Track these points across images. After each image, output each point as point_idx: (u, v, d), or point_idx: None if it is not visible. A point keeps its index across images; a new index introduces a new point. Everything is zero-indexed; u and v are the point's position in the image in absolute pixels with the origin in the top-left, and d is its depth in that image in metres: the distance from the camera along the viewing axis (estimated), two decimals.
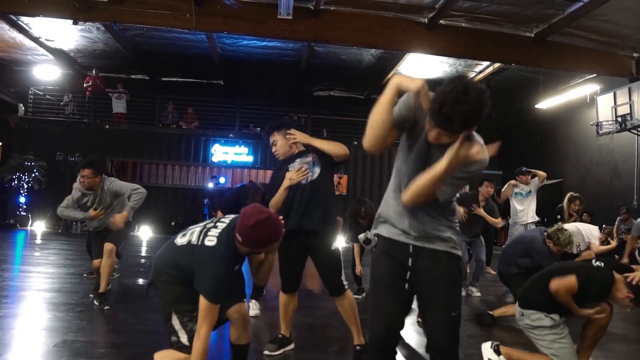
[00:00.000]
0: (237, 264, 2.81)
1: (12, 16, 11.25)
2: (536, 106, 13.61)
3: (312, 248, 3.66)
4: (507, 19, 9.80)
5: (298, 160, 3.74)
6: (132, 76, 15.80)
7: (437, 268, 2.29)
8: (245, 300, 3.08)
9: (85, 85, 14.41)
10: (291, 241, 3.54)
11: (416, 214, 2.29)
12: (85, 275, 6.50)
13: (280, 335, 3.90)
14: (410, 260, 2.31)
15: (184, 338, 2.67)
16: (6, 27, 11.99)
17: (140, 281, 6.49)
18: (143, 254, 9.72)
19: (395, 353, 2.37)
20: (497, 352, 3.61)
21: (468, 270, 7.32)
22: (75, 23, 10.22)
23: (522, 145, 14.88)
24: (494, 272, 9.15)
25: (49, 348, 3.63)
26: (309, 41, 10.92)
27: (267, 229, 2.58)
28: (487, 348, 3.69)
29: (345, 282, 3.67)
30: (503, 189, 7.84)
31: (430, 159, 2.21)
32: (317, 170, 3.71)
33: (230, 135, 14.22)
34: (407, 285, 2.32)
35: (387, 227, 2.38)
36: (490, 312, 5.09)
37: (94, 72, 14.40)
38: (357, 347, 3.69)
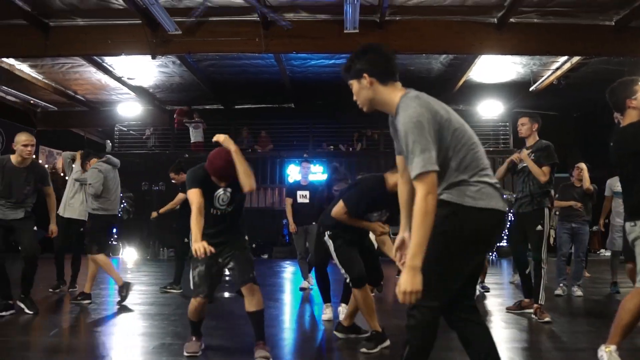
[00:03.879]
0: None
1: (97, 58, 12.07)
2: None
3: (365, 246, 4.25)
4: (584, 8, 9.34)
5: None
6: (207, 106, 16.42)
7: None
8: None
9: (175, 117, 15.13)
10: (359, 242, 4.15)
11: None
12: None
13: (374, 332, 3.80)
14: None
15: None
16: (93, 70, 12.88)
17: (226, 294, 6.59)
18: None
19: None
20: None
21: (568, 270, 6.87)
22: (153, 57, 10.81)
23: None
24: (589, 275, 8.54)
25: (148, 350, 3.72)
26: None
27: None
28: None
29: None
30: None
31: None
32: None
33: (305, 154, 14.37)
34: None
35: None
36: None
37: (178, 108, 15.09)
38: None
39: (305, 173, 7.81)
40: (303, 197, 7.37)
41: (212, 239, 3.40)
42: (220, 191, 3.49)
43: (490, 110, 14.40)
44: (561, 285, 6.41)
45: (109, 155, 6.43)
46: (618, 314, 3.16)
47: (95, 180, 5.72)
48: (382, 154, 14.49)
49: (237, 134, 15.10)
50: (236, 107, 16.59)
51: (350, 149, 15.07)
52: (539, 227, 4.84)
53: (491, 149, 14.49)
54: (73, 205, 6.62)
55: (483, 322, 2.37)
